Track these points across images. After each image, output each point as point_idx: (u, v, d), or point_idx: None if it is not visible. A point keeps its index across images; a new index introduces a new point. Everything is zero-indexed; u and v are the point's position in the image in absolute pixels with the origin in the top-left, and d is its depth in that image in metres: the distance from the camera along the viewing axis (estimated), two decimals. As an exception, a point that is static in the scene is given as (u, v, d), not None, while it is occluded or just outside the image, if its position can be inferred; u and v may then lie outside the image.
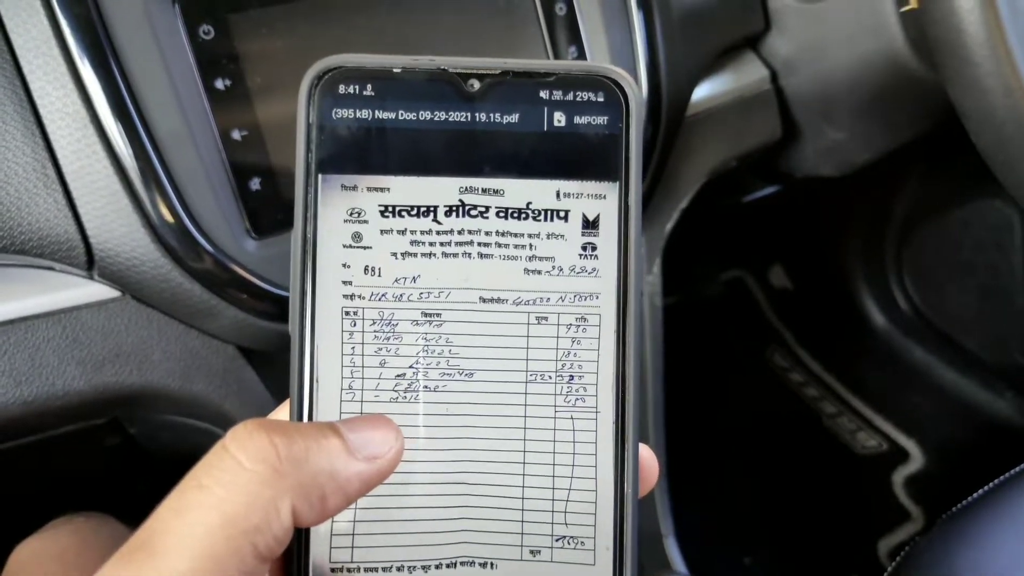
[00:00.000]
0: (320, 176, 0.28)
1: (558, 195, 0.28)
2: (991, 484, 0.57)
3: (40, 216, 0.44)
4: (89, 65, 0.43)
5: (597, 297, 0.28)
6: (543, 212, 0.28)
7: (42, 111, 0.43)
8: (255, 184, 0.46)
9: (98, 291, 0.46)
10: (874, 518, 1.00)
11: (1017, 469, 0.57)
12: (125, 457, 0.62)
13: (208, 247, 0.45)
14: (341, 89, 0.28)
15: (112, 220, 0.44)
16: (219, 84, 0.46)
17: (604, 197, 0.28)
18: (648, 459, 0.29)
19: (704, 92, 0.62)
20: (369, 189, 0.28)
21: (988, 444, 0.99)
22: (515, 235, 0.28)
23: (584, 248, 0.28)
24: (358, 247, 0.28)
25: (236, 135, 0.46)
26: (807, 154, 0.67)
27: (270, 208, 0.47)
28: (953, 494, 0.58)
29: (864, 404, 1.07)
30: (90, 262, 0.45)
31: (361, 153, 0.28)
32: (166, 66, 0.44)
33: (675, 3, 0.58)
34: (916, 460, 1.03)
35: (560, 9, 0.54)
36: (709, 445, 1.06)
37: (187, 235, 0.45)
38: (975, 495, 0.56)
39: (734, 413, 1.11)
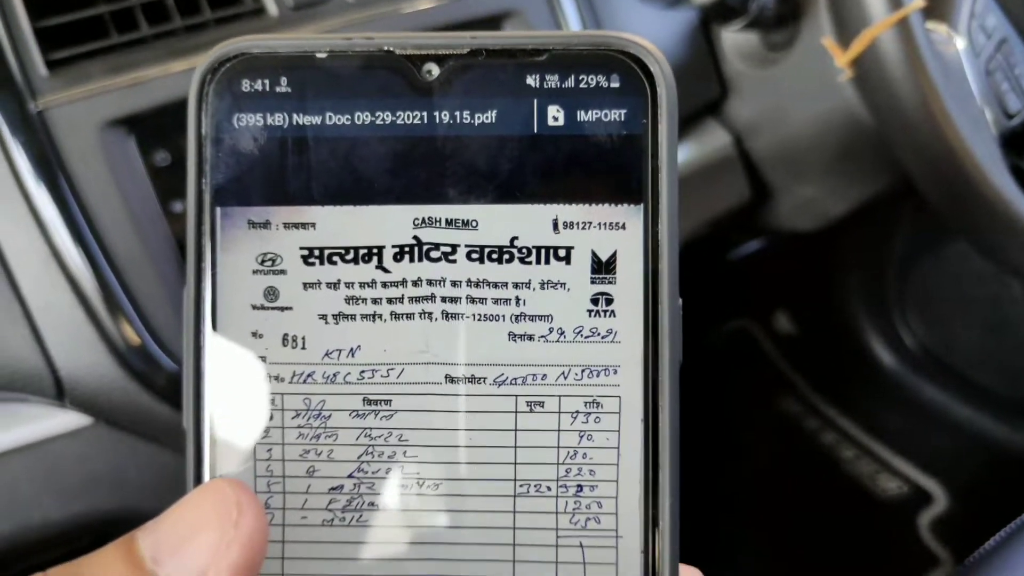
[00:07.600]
0: (219, 209, 0.20)
1: (556, 226, 0.20)
2: (1017, 521, 0.55)
3: (8, 352, 0.45)
4: (46, 200, 0.44)
5: (615, 372, 0.20)
6: (535, 251, 0.20)
7: (5, 249, 0.44)
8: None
9: (71, 420, 0.46)
10: (902, 565, 0.98)
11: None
12: None
13: (173, 367, 0.46)
14: (245, 85, 0.20)
15: (78, 350, 0.45)
16: (178, 207, 0.47)
17: (623, 227, 0.20)
18: None
19: (668, 163, 0.62)
20: (287, 226, 0.20)
21: (1011, 480, 0.97)
22: (495, 285, 0.20)
23: (595, 301, 0.20)
24: (274, 308, 0.20)
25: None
26: (782, 211, 0.67)
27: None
28: (980, 534, 0.56)
29: (882, 446, 1.05)
30: (60, 392, 0.46)
31: (275, 175, 0.20)
32: (122, 194, 0.45)
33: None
34: (940, 501, 1.01)
35: None
36: (724, 502, 1.04)
37: (151, 357, 0.45)
38: (1002, 533, 0.54)
39: (749, 465, 1.09)
